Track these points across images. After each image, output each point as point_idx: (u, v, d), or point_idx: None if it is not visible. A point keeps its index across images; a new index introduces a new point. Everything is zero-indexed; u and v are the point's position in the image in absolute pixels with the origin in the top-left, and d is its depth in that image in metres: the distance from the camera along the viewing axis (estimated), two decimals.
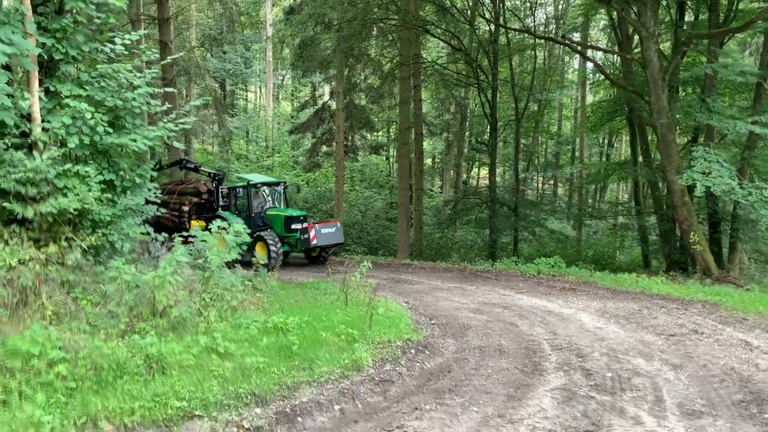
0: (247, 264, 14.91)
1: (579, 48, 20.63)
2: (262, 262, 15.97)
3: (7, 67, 7.13)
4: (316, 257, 18.53)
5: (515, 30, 22.66)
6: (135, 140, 8.24)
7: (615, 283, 13.72)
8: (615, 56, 24.99)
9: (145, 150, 8.44)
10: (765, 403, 5.74)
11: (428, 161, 42.71)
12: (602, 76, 25.56)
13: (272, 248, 16.55)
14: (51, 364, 4.86)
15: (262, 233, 16.97)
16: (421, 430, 5.01)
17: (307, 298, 11.15)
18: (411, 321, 9.43)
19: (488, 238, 24.54)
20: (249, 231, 16.72)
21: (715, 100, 16.44)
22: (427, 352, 7.71)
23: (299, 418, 5.15)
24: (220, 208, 18.46)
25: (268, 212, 17.96)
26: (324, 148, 30.68)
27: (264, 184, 18.64)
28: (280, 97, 46.01)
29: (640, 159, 23.19)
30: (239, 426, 4.83)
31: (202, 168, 20.08)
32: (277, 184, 19.12)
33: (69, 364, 4.97)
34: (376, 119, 31.49)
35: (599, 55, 31.98)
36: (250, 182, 18.09)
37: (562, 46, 27.36)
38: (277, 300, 10.55)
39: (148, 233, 9.21)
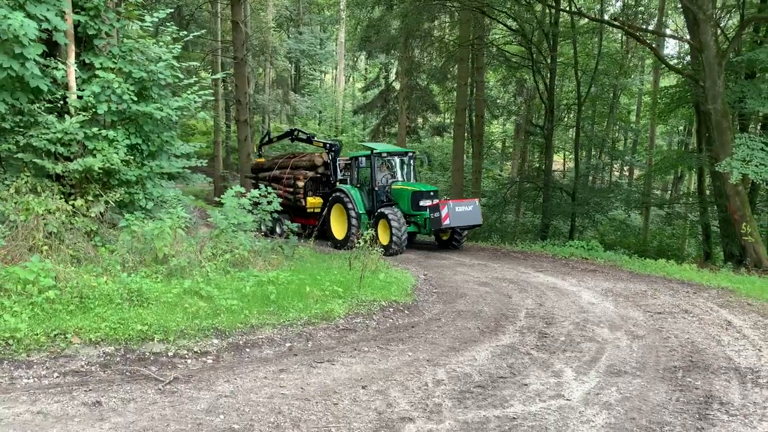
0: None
1: (631, 30, 20.19)
2: (384, 243, 14.22)
3: (46, 41, 8.20)
4: (448, 241, 16.14)
5: (566, 11, 22.41)
6: (161, 109, 9.17)
7: (642, 267, 13.67)
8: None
9: (169, 118, 9.35)
10: (694, 370, 5.97)
11: (498, 145, 42.62)
12: (675, 61, 24.93)
13: (394, 228, 14.41)
14: (42, 290, 5.81)
15: (384, 210, 14.88)
16: (348, 363, 5.64)
17: (326, 264, 11.84)
18: (411, 287, 9.97)
19: (540, 222, 24.56)
20: (369, 208, 15.71)
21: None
22: (406, 312, 8.27)
23: (247, 349, 5.89)
24: (338, 182, 16.71)
25: (392, 186, 15.71)
26: (388, 129, 31.34)
27: (390, 153, 16.37)
28: (354, 78, 47.01)
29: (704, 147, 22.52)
30: (189, 349, 5.62)
31: (315, 139, 18.31)
32: (405, 154, 16.69)
33: (58, 291, 5.90)
34: (440, 101, 31.81)
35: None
36: (374, 151, 15.82)
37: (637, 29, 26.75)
38: (297, 264, 11.34)
39: (178, 198, 10.22)
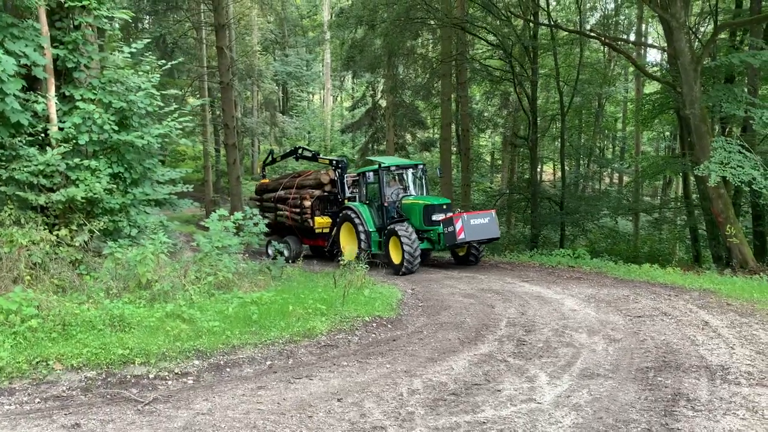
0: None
1: (608, 40, 20.59)
2: (396, 262, 13.98)
3: (26, 76, 8.39)
4: (465, 256, 15.51)
5: (544, 25, 22.82)
6: (142, 137, 9.34)
7: (626, 273, 13.83)
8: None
9: (151, 146, 9.52)
10: (666, 370, 6.12)
11: (487, 157, 42.96)
12: (656, 68, 25.37)
13: (406, 245, 13.66)
14: (24, 319, 5.94)
15: (395, 226, 14.16)
16: (326, 378, 5.76)
17: (312, 283, 11.95)
18: (396, 302, 10.10)
19: (530, 233, 24.75)
20: (380, 225, 15.25)
21: (742, 91, 16.20)
22: (389, 326, 8.40)
23: (228, 369, 6.02)
24: (346, 200, 16.34)
25: (403, 201, 15.14)
26: (376, 147, 31.64)
27: (399, 167, 15.78)
28: (342, 97, 47.42)
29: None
30: (170, 371, 5.75)
31: (321, 156, 17.94)
32: (415, 166, 16.12)
33: (41, 320, 6.03)
34: (427, 117, 32.16)
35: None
36: (383, 165, 15.30)
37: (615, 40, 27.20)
38: (285, 284, 11.46)
39: (162, 223, 10.34)
